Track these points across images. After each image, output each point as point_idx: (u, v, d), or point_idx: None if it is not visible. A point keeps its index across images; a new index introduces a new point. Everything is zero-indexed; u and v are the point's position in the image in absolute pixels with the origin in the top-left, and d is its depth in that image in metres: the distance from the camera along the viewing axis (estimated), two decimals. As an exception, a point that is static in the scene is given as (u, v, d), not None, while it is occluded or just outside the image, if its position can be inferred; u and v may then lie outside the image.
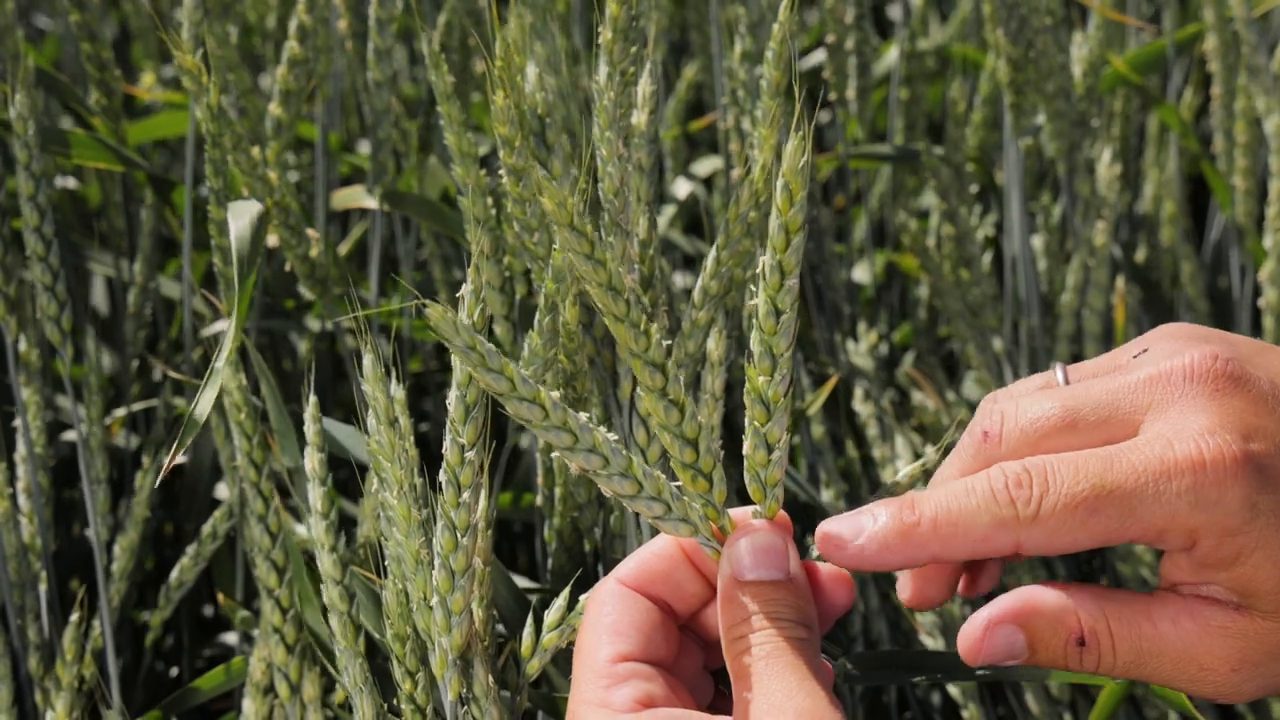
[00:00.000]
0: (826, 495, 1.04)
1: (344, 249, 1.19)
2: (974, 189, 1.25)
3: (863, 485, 1.03)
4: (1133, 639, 0.59)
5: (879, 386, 1.11)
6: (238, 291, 0.81)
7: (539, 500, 0.87)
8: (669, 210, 1.25)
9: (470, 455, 0.67)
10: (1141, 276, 1.26)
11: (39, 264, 0.86)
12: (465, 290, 0.67)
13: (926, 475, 0.69)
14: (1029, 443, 0.61)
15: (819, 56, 1.48)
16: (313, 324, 1.11)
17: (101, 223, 1.20)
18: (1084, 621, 0.59)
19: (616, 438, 0.62)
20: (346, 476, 0.98)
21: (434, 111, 1.11)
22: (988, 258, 1.16)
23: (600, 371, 0.80)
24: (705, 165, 1.29)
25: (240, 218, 0.84)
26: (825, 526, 0.61)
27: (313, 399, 0.78)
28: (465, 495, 0.67)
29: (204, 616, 1.16)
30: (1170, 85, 1.28)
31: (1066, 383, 0.63)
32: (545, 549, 0.89)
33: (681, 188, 1.27)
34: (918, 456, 1.07)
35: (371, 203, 1.04)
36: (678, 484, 0.62)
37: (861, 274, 1.30)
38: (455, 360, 0.69)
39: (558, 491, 0.85)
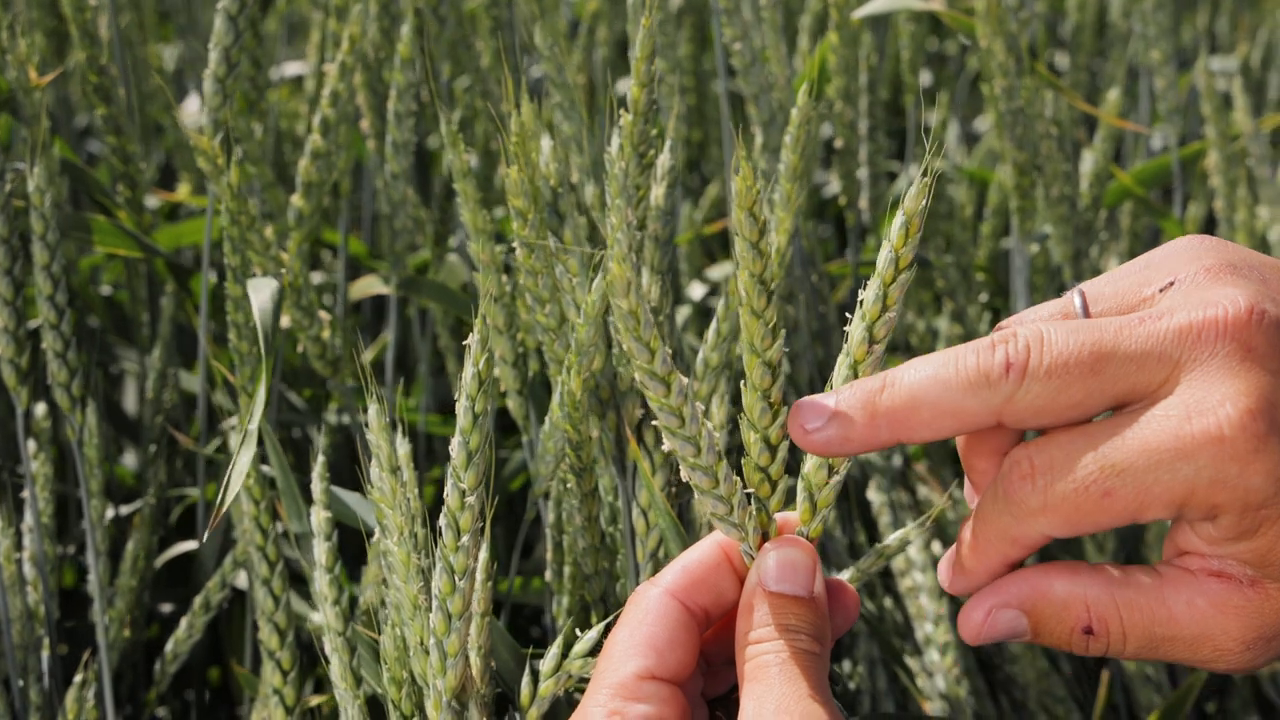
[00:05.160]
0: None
1: (369, 355, 1.21)
2: (984, 298, 1.27)
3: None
4: (1146, 626, 0.57)
5: (890, 481, 1.12)
6: (264, 361, 0.83)
7: (548, 577, 0.87)
8: (684, 311, 1.27)
9: (470, 500, 0.68)
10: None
11: (51, 331, 0.88)
12: (472, 339, 0.69)
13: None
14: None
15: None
16: (330, 417, 1.13)
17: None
18: (1093, 610, 0.58)
19: (719, 434, 0.63)
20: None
21: (449, 206, 1.14)
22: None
23: (607, 433, 0.81)
24: (719, 270, 1.31)
25: (260, 292, 0.86)
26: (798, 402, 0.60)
27: (320, 459, 0.80)
28: (464, 539, 0.68)
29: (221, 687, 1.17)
30: (1176, 198, 1.30)
31: (1086, 313, 0.60)
32: (553, 627, 0.89)
33: (696, 291, 1.29)
34: (926, 544, 1.08)
35: (387, 289, 1.06)
36: (748, 491, 0.63)
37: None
38: (460, 408, 0.70)
39: (567, 570, 0.85)
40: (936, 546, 1.11)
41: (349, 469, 1.19)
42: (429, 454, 1.25)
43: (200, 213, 1.31)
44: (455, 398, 1.21)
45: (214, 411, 1.07)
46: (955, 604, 1.10)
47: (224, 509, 0.80)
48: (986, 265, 1.29)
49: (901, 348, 1.34)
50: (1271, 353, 0.55)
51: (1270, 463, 0.54)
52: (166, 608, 1.14)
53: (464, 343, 0.74)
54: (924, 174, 0.58)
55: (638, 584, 0.81)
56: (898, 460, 1.26)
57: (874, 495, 1.10)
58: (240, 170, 0.89)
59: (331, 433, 1.15)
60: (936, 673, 0.99)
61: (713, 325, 0.79)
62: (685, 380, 0.61)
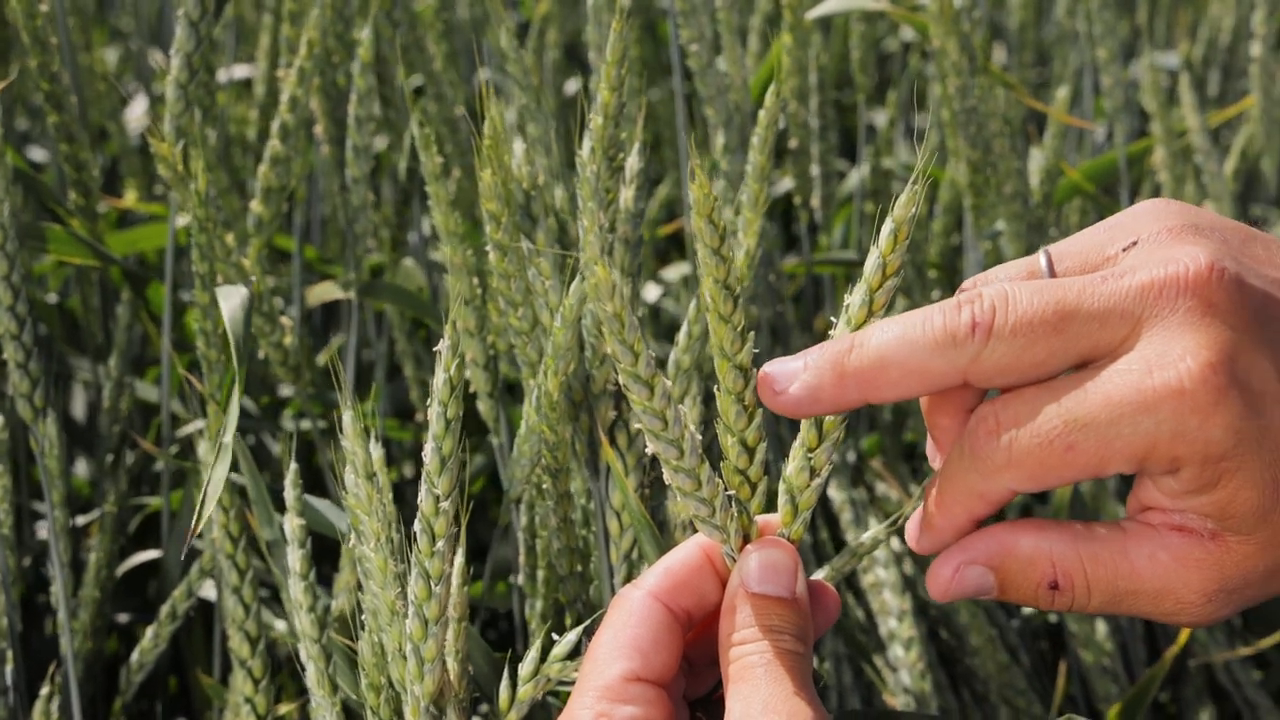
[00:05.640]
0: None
1: (322, 357, 1.21)
2: (937, 294, 1.28)
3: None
4: (1110, 580, 0.58)
5: (849, 481, 1.13)
6: (237, 368, 0.83)
7: (520, 579, 0.87)
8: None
9: (445, 505, 0.68)
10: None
11: (12, 342, 0.87)
12: (443, 344, 0.69)
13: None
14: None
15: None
16: (288, 424, 1.12)
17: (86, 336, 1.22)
18: (1058, 566, 0.58)
19: (700, 438, 0.63)
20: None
21: (405, 212, 1.14)
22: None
23: (580, 436, 0.81)
24: (674, 271, 1.31)
25: (230, 300, 0.85)
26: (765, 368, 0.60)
27: (293, 465, 0.80)
28: (439, 544, 0.68)
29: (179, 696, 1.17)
30: (1122, 193, 1.32)
31: (1051, 272, 0.60)
32: (524, 630, 0.89)
33: (651, 292, 1.29)
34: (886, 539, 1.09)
35: (346, 294, 1.06)
36: (730, 493, 0.63)
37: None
38: (432, 414, 0.70)
39: (540, 574, 0.85)
40: (896, 543, 1.12)
41: (305, 474, 1.19)
42: (385, 458, 1.25)
43: (148, 219, 1.29)
44: (414, 402, 1.21)
45: (173, 418, 1.07)
46: (918, 599, 1.11)
47: (201, 523, 0.79)
48: (939, 262, 1.30)
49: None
50: (1232, 308, 0.55)
51: (1230, 415, 0.54)
52: (124, 618, 1.14)
53: (434, 349, 0.74)
54: (913, 182, 0.58)
55: (612, 586, 0.82)
56: (852, 456, 1.27)
57: (835, 493, 1.10)
58: (204, 176, 0.89)
59: (287, 439, 1.14)
60: (901, 668, 1.00)
61: (683, 328, 0.79)
62: (668, 383, 0.61)
